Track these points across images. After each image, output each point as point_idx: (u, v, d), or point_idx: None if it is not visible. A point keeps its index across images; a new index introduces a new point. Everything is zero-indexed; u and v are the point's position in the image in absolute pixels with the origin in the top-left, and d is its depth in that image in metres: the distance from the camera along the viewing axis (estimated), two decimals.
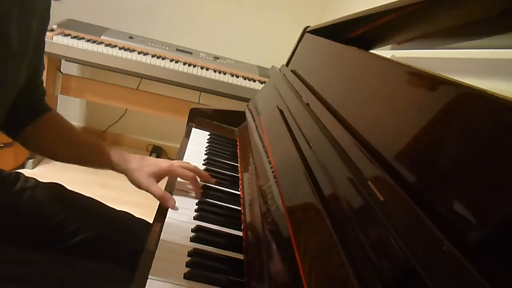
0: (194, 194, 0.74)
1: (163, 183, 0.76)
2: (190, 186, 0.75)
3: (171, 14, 2.17)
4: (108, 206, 0.81)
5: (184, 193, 0.74)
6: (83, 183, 1.87)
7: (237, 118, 1.16)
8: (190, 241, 0.60)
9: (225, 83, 1.89)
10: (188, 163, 0.78)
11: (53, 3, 0.64)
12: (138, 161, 0.73)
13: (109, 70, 1.81)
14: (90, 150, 0.74)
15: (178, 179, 0.77)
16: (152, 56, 1.83)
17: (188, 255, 0.56)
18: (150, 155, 2.33)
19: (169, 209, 0.67)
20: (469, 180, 0.31)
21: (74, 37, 1.76)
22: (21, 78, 0.60)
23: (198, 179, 0.75)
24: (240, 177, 0.86)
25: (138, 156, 0.75)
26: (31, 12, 0.57)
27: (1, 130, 0.70)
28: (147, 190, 0.70)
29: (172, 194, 0.71)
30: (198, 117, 1.15)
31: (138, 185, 0.71)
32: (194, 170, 0.76)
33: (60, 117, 0.77)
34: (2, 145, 1.76)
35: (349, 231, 0.38)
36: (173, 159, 0.86)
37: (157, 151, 2.38)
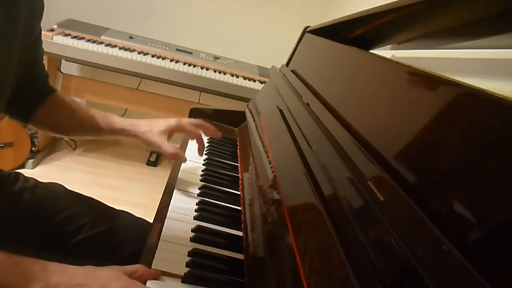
0: (194, 193, 0.75)
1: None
2: (190, 189, 0.76)
3: (171, 14, 2.17)
4: (108, 206, 0.81)
5: (184, 193, 0.75)
6: (83, 183, 1.88)
7: (237, 118, 1.16)
8: (190, 241, 0.60)
9: (225, 83, 1.89)
10: (196, 119, 0.83)
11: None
12: (148, 124, 0.76)
13: (109, 70, 1.81)
14: (101, 120, 0.76)
15: (179, 176, 0.77)
16: (152, 56, 1.83)
17: (188, 255, 0.56)
18: (150, 155, 2.33)
19: (169, 209, 0.67)
20: (469, 180, 0.31)
21: (74, 37, 1.76)
22: (9, 68, 0.58)
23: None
24: (240, 177, 0.86)
25: (147, 119, 0.78)
26: (17, 2, 0.55)
27: (12, 117, 0.73)
28: (159, 149, 0.74)
29: (172, 196, 0.72)
30: (198, 117, 1.15)
31: (151, 145, 0.75)
32: (201, 125, 0.81)
33: (66, 96, 0.78)
34: (2, 145, 1.76)
35: (349, 231, 0.38)
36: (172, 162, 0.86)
37: (157, 151, 2.38)
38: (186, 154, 0.92)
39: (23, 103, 0.71)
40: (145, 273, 0.49)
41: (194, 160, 0.90)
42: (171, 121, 0.77)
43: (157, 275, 0.50)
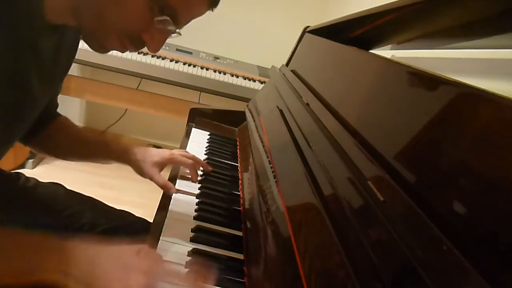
0: (194, 193, 0.75)
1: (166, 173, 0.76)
2: (190, 189, 0.76)
3: None
4: (108, 206, 0.81)
5: (184, 193, 0.75)
6: (83, 183, 1.87)
7: (237, 118, 1.16)
8: (190, 241, 0.60)
9: (225, 83, 1.89)
10: (187, 152, 0.84)
11: None
12: (142, 153, 0.77)
13: (109, 70, 1.81)
14: (97, 146, 0.79)
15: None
16: (152, 56, 1.83)
17: (188, 255, 0.56)
18: None
19: (169, 209, 0.67)
20: (469, 180, 0.31)
21: None
22: (45, 100, 0.62)
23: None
24: (240, 177, 0.86)
25: (142, 148, 0.79)
26: (64, 44, 0.58)
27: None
28: (151, 179, 0.75)
29: (172, 196, 0.72)
30: (198, 117, 1.15)
31: (142, 175, 0.76)
32: (193, 158, 0.82)
33: (67, 119, 0.80)
34: None
35: (349, 231, 0.38)
36: None
37: None
38: (188, 149, 0.92)
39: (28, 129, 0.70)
40: (149, 253, 0.51)
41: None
42: (165, 154, 0.78)
43: (160, 258, 0.52)
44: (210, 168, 0.84)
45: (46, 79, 0.57)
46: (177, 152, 0.81)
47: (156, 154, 0.78)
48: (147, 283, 0.44)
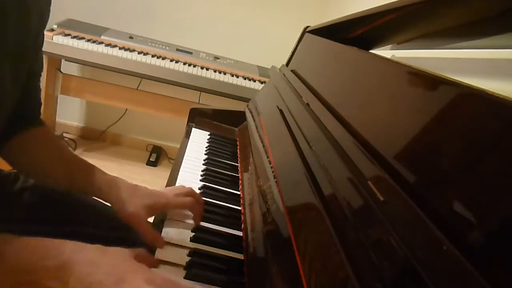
0: None
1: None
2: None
3: (171, 14, 2.17)
4: (108, 206, 0.81)
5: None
6: None
7: (237, 118, 1.16)
8: (190, 241, 0.60)
9: (225, 83, 1.89)
10: (183, 186, 0.69)
11: (53, 3, 0.62)
12: (130, 191, 0.62)
13: (109, 70, 1.81)
14: (79, 168, 0.65)
15: (179, 176, 0.77)
16: (152, 56, 1.83)
17: (188, 255, 0.56)
18: (150, 155, 2.33)
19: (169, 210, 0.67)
20: (469, 180, 0.31)
21: (74, 37, 1.76)
22: (22, 76, 0.57)
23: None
24: (240, 177, 0.86)
25: (131, 184, 0.64)
26: (32, 7, 0.53)
27: None
28: (135, 228, 0.59)
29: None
30: (198, 117, 1.15)
31: (126, 218, 0.60)
32: (190, 193, 0.67)
33: (52, 134, 0.70)
34: None
35: (349, 231, 0.38)
36: (172, 159, 0.85)
37: (157, 151, 2.38)
38: (186, 154, 0.92)
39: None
40: (145, 259, 0.50)
41: (194, 160, 0.90)
42: (160, 199, 0.63)
43: (156, 263, 0.52)
44: (201, 210, 0.67)
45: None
46: (173, 192, 0.66)
47: (148, 195, 0.62)
48: None
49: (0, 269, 0.43)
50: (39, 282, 0.44)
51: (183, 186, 0.69)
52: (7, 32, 0.48)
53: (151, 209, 0.61)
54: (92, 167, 0.65)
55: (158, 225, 0.63)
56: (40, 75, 0.65)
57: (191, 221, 0.66)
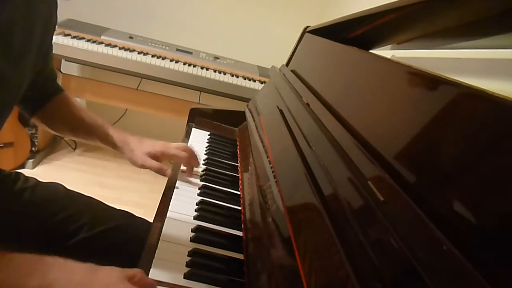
0: (194, 193, 0.75)
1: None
2: (190, 189, 0.76)
3: (171, 14, 2.17)
4: (108, 206, 0.81)
5: (184, 193, 0.75)
6: (83, 183, 1.87)
7: (237, 118, 1.16)
8: (190, 241, 0.60)
9: (225, 83, 1.89)
10: (185, 145, 0.85)
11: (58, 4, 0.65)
12: (136, 143, 0.81)
13: (109, 70, 1.81)
14: (96, 129, 0.80)
15: (179, 176, 0.78)
16: (152, 56, 1.83)
17: (188, 255, 0.56)
18: None
19: (169, 209, 0.67)
20: (469, 180, 0.31)
21: (74, 37, 1.76)
22: (25, 77, 0.61)
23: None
24: (240, 177, 0.86)
25: (137, 138, 0.82)
26: (35, 17, 0.57)
27: (22, 111, 0.78)
28: (142, 166, 0.78)
29: (172, 196, 0.72)
30: (198, 117, 1.15)
31: (135, 163, 0.79)
32: (187, 150, 0.82)
33: (68, 97, 0.82)
34: (2, 145, 1.76)
35: (349, 231, 0.38)
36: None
37: None
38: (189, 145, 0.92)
39: (29, 101, 0.75)
40: (142, 280, 0.48)
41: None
42: (158, 145, 0.81)
43: (153, 286, 0.48)
44: (197, 164, 0.84)
45: (13, 54, 0.53)
46: (173, 145, 0.82)
47: (150, 145, 0.81)
48: None
49: None
50: None
51: (184, 144, 0.85)
52: (14, 38, 0.52)
53: (153, 154, 0.79)
54: (105, 125, 0.81)
55: (161, 220, 0.63)
56: (52, 62, 0.77)
57: (191, 221, 0.66)
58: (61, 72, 2.00)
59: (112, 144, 0.80)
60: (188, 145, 0.97)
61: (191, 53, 2.03)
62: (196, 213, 0.68)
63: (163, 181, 0.77)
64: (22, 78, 0.59)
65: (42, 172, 1.93)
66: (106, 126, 0.81)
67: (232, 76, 1.93)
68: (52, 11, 0.66)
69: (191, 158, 0.82)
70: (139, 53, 1.83)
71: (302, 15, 2.24)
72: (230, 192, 0.79)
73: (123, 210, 0.82)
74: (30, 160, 1.91)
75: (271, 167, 0.66)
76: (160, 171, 0.76)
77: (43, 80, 0.74)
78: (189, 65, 1.87)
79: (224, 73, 1.93)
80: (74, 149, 2.19)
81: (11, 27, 0.50)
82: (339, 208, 0.42)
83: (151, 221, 0.66)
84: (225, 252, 0.60)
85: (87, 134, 0.81)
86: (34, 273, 0.43)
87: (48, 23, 0.64)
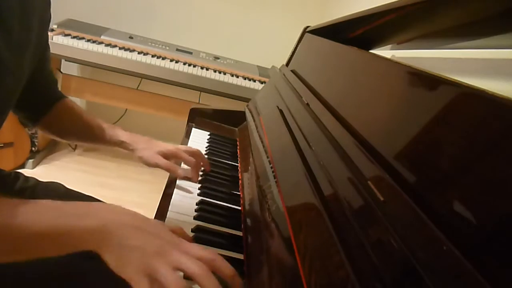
0: (194, 193, 0.75)
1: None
2: (190, 189, 0.76)
3: (171, 14, 2.17)
4: (103, 202, 0.81)
5: (184, 193, 0.75)
6: (83, 183, 1.88)
7: (237, 118, 1.16)
8: None
9: (225, 83, 1.89)
10: (193, 148, 0.84)
11: (53, 3, 0.65)
12: (146, 142, 0.81)
13: (109, 70, 1.81)
14: (103, 132, 0.81)
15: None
16: (152, 56, 1.83)
17: None
18: None
19: (169, 210, 0.67)
20: (469, 180, 0.31)
21: (74, 37, 1.76)
22: (25, 69, 0.60)
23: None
24: (240, 177, 0.86)
25: (146, 137, 0.83)
26: (31, 9, 0.57)
27: (22, 120, 0.79)
28: (156, 165, 0.78)
29: (172, 196, 0.72)
30: (198, 117, 1.15)
31: (146, 162, 0.79)
32: (196, 155, 0.82)
33: (72, 102, 0.82)
34: (2, 145, 1.76)
35: (349, 231, 0.38)
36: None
37: None
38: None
39: (31, 108, 0.75)
40: (182, 236, 0.49)
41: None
42: (169, 147, 0.81)
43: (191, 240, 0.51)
44: (209, 168, 0.84)
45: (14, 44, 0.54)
46: (182, 148, 0.83)
47: (161, 145, 0.81)
48: (191, 261, 0.42)
49: (23, 233, 0.42)
50: (75, 245, 0.43)
51: (196, 149, 0.84)
52: (12, 30, 0.51)
53: (164, 154, 0.79)
54: (111, 127, 0.82)
55: (161, 220, 0.63)
56: (50, 65, 0.75)
57: (190, 221, 0.66)
58: (61, 72, 2.00)
59: (122, 143, 0.81)
60: (189, 145, 0.97)
61: (191, 53, 2.03)
62: (196, 213, 0.68)
63: (163, 181, 0.77)
64: (22, 71, 0.59)
65: (42, 172, 1.93)
66: (113, 128, 0.82)
67: (232, 76, 1.93)
68: (47, 6, 0.65)
69: (204, 164, 0.83)
70: (139, 53, 1.83)
71: (302, 15, 2.24)
72: (230, 192, 0.79)
73: None
74: (30, 160, 1.91)
75: (271, 167, 0.66)
76: (171, 170, 0.77)
77: (44, 85, 0.74)
78: (189, 65, 1.87)
79: (224, 73, 1.93)
80: (74, 149, 2.19)
81: (9, 17, 0.50)
82: (339, 208, 0.42)
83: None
84: (225, 252, 0.60)
85: (95, 138, 0.81)
86: (89, 215, 0.44)
87: (44, 17, 0.64)
